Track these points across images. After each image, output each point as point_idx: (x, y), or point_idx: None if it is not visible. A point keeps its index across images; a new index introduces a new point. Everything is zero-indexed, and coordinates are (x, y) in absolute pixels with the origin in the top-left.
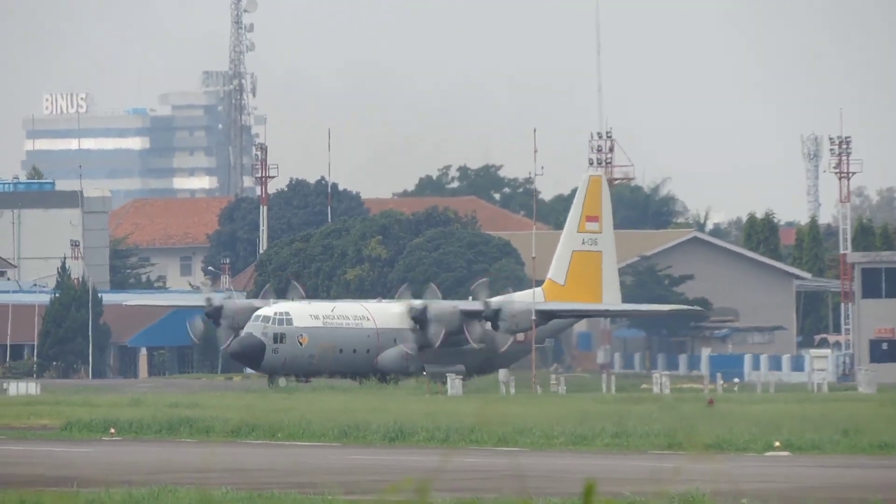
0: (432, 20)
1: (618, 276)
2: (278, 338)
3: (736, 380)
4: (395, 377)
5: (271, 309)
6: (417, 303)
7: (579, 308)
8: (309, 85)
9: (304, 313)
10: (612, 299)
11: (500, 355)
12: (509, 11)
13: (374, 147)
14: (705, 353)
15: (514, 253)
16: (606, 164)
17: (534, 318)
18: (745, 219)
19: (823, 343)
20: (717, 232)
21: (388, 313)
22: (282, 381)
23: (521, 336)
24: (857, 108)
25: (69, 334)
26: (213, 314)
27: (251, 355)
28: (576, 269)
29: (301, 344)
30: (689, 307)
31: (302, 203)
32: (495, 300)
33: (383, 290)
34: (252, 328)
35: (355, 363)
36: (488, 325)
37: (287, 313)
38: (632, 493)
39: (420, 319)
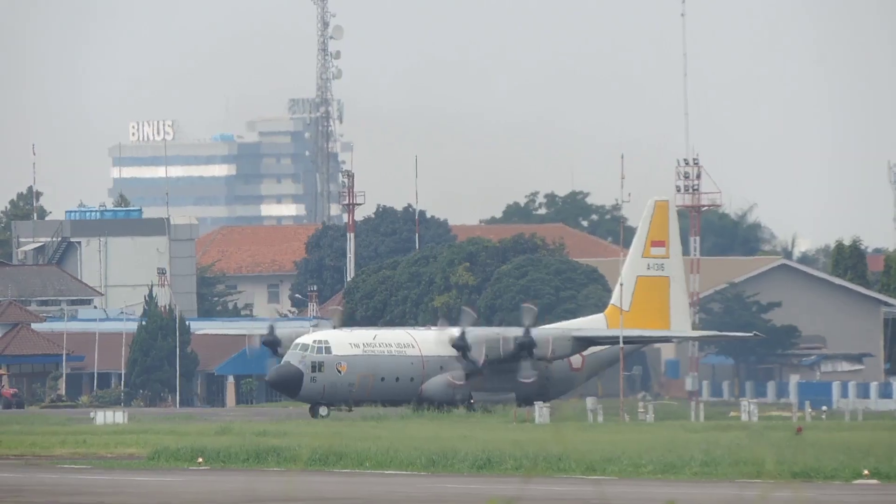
0: (518, 50)
1: (688, 302)
2: (317, 366)
3: (824, 407)
4: (441, 405)
5: (310, 337)
6: (456, 330)
7: (618, 334)
8: (396, 112)
9: (344, 341)
10: (681, 325)
11: (553, 383)
12: (596, 39)
13: (462, 174)
14: (793, 380)
15: (601, 280)
16: (693, 190)
17: (570, 344)
18: (832, 245)
19: None
20: (804, 259)
21: (434, 341)
22: (322, 411)
23: (577, 364)
24: None
25: (156, 362)
26: (271, 343)
27: (289, 384)
28: (641, 294)
29: (340, 372)
30: (746, 334)
31: (389, 230)
32: (543, 328)
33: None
34: (291, 357)
35: (399, 391)
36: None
37: (326, 341)
38: None
39: (461, 346)
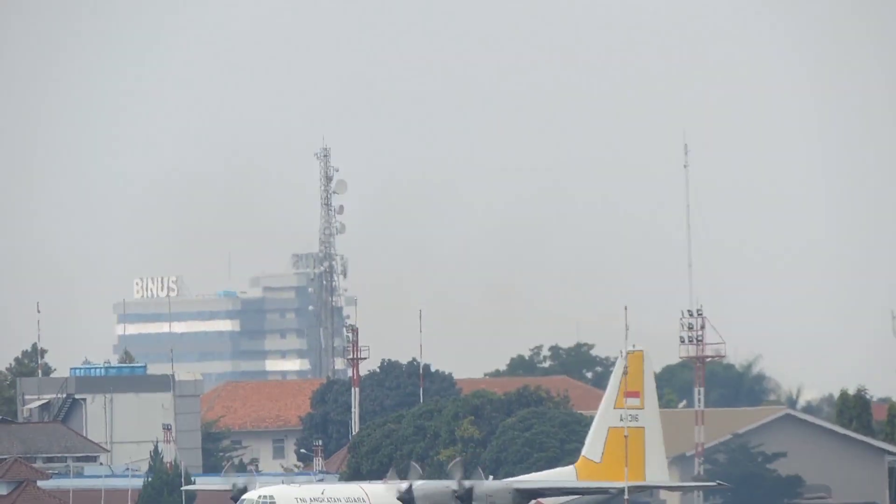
0: (511, 212)
1: (664, 452)
2: None
3: None
4: None
5: (256, 493)
6: (403, 483)
7: (561, 486)
8: (399, 266)
9: (290, 496)
10: (658, 476)
11: None
12: (600, 188)
13: (466, 328)
14: None
15: None
16: (698, 341)
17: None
18: (837, 395)
19: None
20: (809, 409)
21: (385, 494)
22: None
23: None
24: None
25: None
26: (236, 497)
27: None
28: (613, 445)
29: None
30: (710, 483)
31: (394, 384)
32: (487, 482)
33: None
34: None
35: None
36: None
37: (271, 496)
38: None
39: (407, 500)
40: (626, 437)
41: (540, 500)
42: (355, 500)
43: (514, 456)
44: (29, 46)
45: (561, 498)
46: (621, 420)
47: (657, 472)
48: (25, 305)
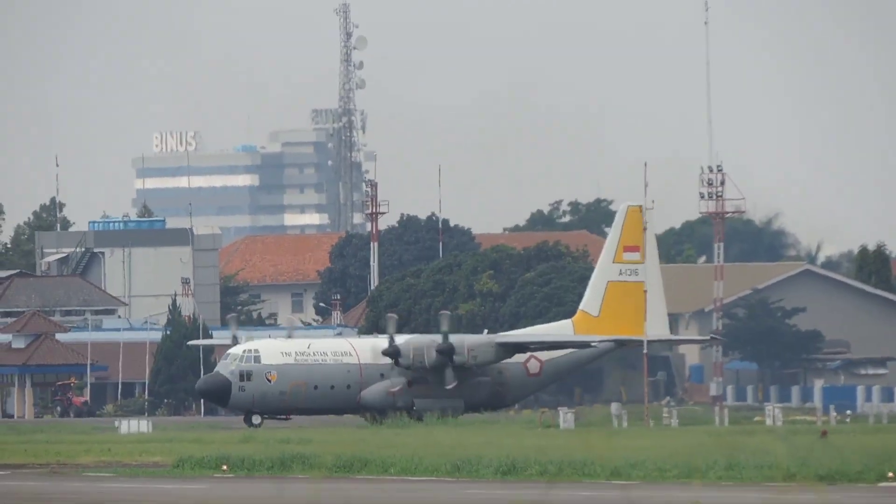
0: (541, 57)
1: (665, 306)
2: (244, 376)
3: (848, 411)
4: (382, 413)
5: (241, 347)
6: (384, 338)
7: (543, 339)
8: (419, 121)
9: (275, 350)
10: (658, 331)
11: (509, 389)
12: (619, 45)
13: (485, 182)
14: (818, 385)
15: None
16: (717, 197)
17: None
18: (856, 250)
19: None
20: (828, 264)
21: (373, 349)
22: (256, 419)
23: (534, 369)
24: None
25: (180, 372)
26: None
27: (217, 393)
28: (611, 300)
29: (269, 381)
30: (703, 338)
31: (413, 239)
32: (469, 336)
33: (495, 325)
34: (221, 366)
35: (335, 400)
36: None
37: (256, 350)
38: None
39: (391, 354)
40: (645, 291)
41: (535, 353)
42: (342, 354)
43: (533, 310)
44: None
45: (558, 351)
46: (620, 274)
47: (657, 326)
48: (44, 159)
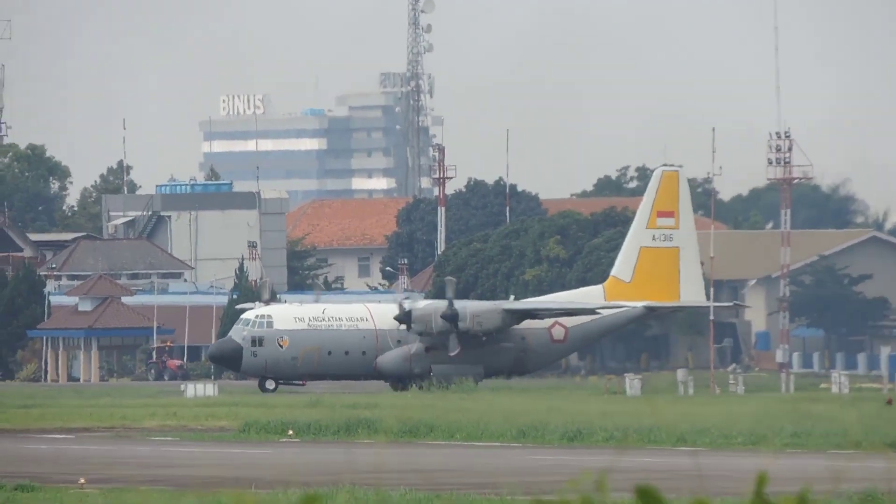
0: (604, 26)
1: (700, 272)
2: (256, 341)
3: None
4: (399, 379)
5: (254, 312)
6: (399, 304)
7: (549, 306)
8: (487, 86)
9: (288, 315)
10: (694, 297)
11: (531, 355)
12: (687, 11)
13: (553, 147)
14: (885, 352)
15: None
16: (785, 163)
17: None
18: None
19: None
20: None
21: (390, 314)
22: (269, 385)
23: (558, 335)
24: None
25: None
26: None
27: (229, 359)
28: (644, 265)
29: (282, 346)
30: (727, 304)
31: (480, 204)
32: (479, 302)
33: (562, 291)
34: (233, 332)
35: (349, 365)
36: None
37: (268, 316)
38: (808, 491)
39: (404, 320)
40: (712, 258)
41: (559, 320)
42: (358, 320)
43: (600, 276)
44: None
45: (585, 317)
46: (654, 240)
47: (692, 292)
48: (111, 122)
